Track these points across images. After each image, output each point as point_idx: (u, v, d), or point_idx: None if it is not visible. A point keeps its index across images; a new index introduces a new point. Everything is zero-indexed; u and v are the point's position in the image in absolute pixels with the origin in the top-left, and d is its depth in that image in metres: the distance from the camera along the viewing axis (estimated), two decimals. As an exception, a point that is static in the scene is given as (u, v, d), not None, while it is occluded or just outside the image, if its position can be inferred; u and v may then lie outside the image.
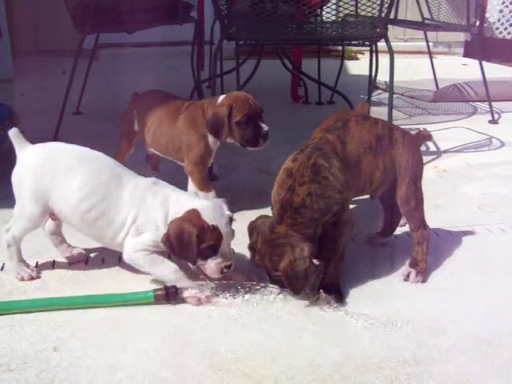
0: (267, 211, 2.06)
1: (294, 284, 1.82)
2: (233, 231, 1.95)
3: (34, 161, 1.97)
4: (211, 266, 1.88)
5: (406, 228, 2.39)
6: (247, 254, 2.21)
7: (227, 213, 1.93)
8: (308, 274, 1.80)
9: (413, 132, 2.20)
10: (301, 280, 1.81)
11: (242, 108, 2.36)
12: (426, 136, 2.17)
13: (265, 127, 2.38)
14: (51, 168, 1.96)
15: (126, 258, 1.97)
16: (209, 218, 1.86)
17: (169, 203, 1.94)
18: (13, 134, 2.00)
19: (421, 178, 2.08)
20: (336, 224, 1.89)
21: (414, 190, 2.04)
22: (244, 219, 2.04)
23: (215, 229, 1.86)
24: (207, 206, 1.91)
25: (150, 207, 1.94)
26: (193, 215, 1.86)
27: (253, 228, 1.93)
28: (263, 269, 1.94)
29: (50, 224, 2.12)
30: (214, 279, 1.92)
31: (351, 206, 2.11)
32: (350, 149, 1.95)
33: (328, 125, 2.09)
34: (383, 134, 2.02)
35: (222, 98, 2.43)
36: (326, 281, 1.91)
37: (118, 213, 1.95)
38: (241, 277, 1.99)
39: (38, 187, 1.95)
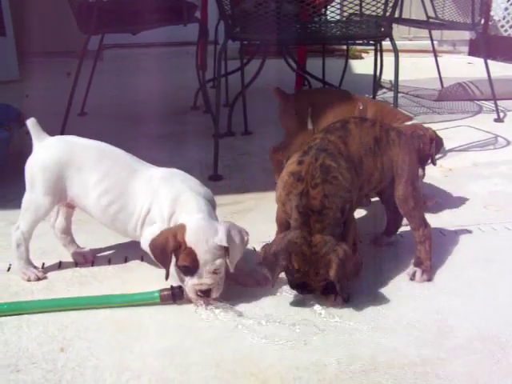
0: (271, 210, 2.06)
1: (346, 285, 1.81)
2: (219, 261, 1.81)
3: (53, 152, 1.99)
4: (188, 285, 1.84)
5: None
6: (254, 254, 2.22)
7: (216, 240, 1.80)
8: (358, 269, 1.83)
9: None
10: (353, 278, 1.83)
11: (439, 144, 2.53)
12: (421, 136, 2.17)
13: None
14: (70, 162, 1.97)
15: (142, 246, 1.98)
16: (190, 239, 1.79)
17: (178, 202, 1.92)
18: (31, 123, 2.01)
19: (418, 177, 2.09)
20: (344, 223, 1.89)
21: (411, 190, 2.04)
22: (249, 218, 2.05)
23: (191, 252, 1.79)
24: (196, 226, 1.82)
25: (163, 199, 1.93)
26: (178, 230, 1.82)
27: (276, 253, 1.81)
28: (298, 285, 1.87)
29: (60, 223, 2.14)
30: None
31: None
32: (353, 150, 1.96)
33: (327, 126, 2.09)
34: (381, 136, 2.03)
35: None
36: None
37: (136, 204, 1.96)
38: (248, 279, 1.99)
39: (53, 179, 1.97)
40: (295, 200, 1.83)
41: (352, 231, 1.93)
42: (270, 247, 1.85)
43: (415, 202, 2.05)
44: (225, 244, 1.81)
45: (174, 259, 1.84)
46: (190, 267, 1.81)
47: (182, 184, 1.96)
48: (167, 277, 1.83)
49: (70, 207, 2.11)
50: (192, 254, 1.80)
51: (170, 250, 1.80)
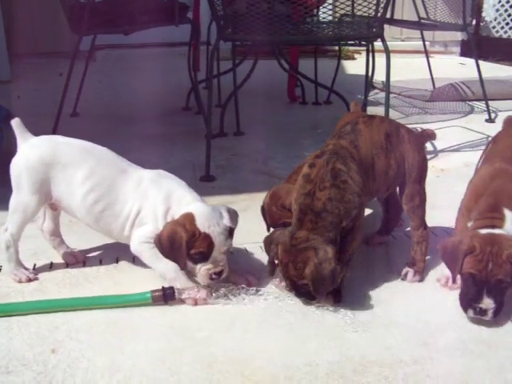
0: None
1: (320, 289, 1.79)
2: (229, 241, 1.90)
3: (37, 152, 1.98)
4: (200, 271, 1.88)
5: (403, 228, 2.41)
6: (245, 255, 2.22)
7: (225, 222, 1.90)
8: (334, 276, 1.78)
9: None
10: (328, 283, 1.78)
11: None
12: (430, 134, 2.17)
13: (485, 305, 1.75)
14: (55, 161, 1.97)
15: (132, 249, 1.98)
16: (202, 224, 1.85)
17: (172, 199, 1.94)
18: (15, 124, 2.01)
19: (425, 176, 2.10)
20: (351, 229, 1.89)
21: (418, 188, 2.06)
22: (241, 219, 2.05)
23: (206, 236, 1.84)
24: (204, 211, 1.88)
25: (153, 199, 1.95)
26: (187, 220, 1.85)
27: (270, 241, 1.92)
28: (287, 284, 1.89)
29: (48, 226, 2.13)
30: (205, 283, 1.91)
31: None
32: (364, 152, 1.95)
33: (337, 130, 2.09)
34: (391, 131, 2.03)
35: None
36: None
37: (124, 205, 1.96)
38: (239, 278, 2.00)
39: (39, 178, 1.96)
40: (301, 198, 1.86)
41: (356, 240, 1.93)
42: (266, 238, 1.95)
43: (420, 200, 2.06)
44: (232, 225, 1.91)
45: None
46: (206, 252, 1.85)
47: (170, 181, 2.00)
48: (183, 267, 1.87)
49: (54, 209, 2.09)
50: (207, 239, 1.85)
51: (186, 239, 1.82)
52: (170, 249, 1.84)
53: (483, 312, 1.74)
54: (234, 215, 1.98)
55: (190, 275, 1.94)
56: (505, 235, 1.80)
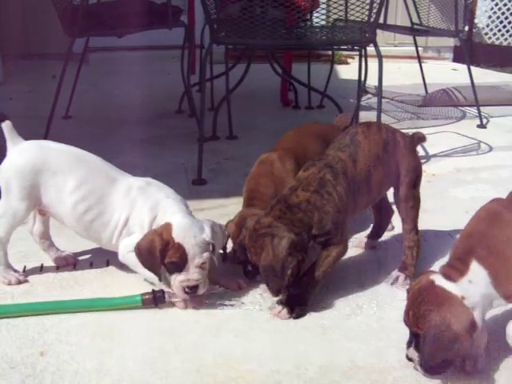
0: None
1: (267, 278, 1.77)
2: (206, 255, 1.84)
3: (27, 157, 1.96)
4: (174, 283, 1.84)
5: (394, 232, 2.41)
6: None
7: (204, 236, 1.85)
8: (284, 266, 1.74)
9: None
10: (277, 273, 1.75)
11: None
12: (421, 137, 2.18)
13: (409, 353, 1.57)
14: (45, 167, 1.95)
15: (120, 258, 1.98)
16: (178, 235, 1.82)
17: (159, 208, 1.93)
18: (6, 127, 1.98)
19: (420, 180, 2.11)
20: (327, 245, 1.88)
21: (413, 191, 2.07)
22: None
23: (180, 246, 1.81)
24: (182, 223, 1.85)
25: (140, 209, 1.94)
26: (164, 229, 1.84)
27: (242, 226, 1.94)
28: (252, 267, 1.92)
29: (37, 228, 2.12)
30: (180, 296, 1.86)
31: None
32: (361, 166, 1.95)
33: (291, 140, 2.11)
34: (388, 139, 2.04)
35: None
36: (297, 291, 1.86)
37: (112, 214, 1.96)
38: (229, 282, 2.00)
39: (28, 184, 1.95)
40: (284, 191, 1.88)
41: (331, 257, 1.88)
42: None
43: (414, 203, 2.08)
44: (211, 240, 1.86)
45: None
46: (179, 262, 1.82)
47: (159, 192, 1.99)
48: (158, 276, 1.85)
49: (43, 214, 2.08)
50: (180, 249, 1.82)
51: (158, 248, 1.80)
52: (147, 257, 1.84)
53: (410, 360, 1.55)
54: (219, 231, 1.94)
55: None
56: (442, 289, 1.50)
